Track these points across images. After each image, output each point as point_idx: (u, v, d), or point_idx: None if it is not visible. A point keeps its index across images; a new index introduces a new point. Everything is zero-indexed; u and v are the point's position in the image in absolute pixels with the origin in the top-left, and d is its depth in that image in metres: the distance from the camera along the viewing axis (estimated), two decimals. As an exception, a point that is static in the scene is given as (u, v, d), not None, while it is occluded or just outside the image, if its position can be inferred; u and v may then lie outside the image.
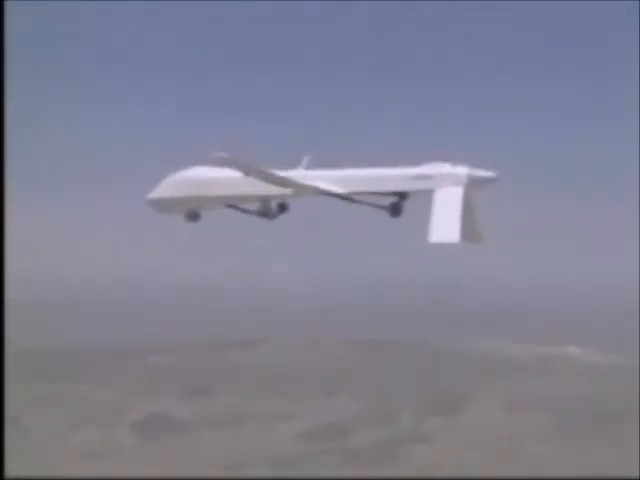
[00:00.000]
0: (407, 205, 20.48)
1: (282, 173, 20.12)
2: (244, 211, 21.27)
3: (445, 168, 19.52)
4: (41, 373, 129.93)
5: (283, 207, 21.10)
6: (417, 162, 20.15)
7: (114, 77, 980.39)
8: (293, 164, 20.68)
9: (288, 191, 20.48)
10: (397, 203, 20.28)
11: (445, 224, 18.28)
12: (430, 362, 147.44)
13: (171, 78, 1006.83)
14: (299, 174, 20.60)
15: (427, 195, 19.12)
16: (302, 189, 20.35)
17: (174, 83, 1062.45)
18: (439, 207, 18.71)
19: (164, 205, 21.55)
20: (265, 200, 20.74)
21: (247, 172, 19.81)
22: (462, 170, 19.40)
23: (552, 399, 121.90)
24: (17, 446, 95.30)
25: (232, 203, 21.28)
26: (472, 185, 19.22)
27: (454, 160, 19.88)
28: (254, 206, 20.93)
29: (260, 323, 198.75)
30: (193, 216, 21.60)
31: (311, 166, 20.98)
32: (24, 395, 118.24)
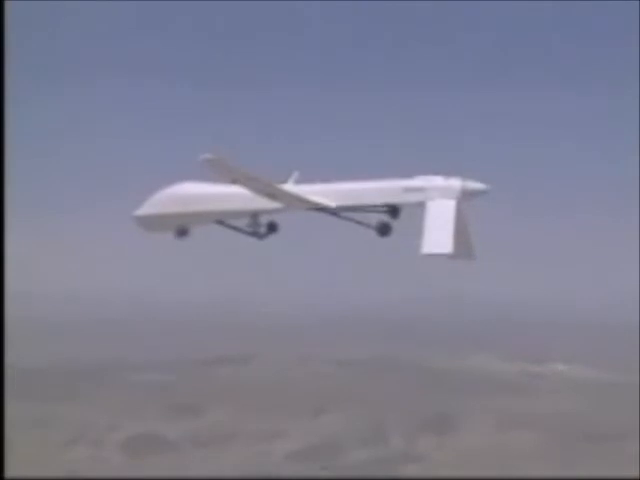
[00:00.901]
0: (400, 218, 20.25)
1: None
2: (233, 228, 20.96)
3: (438, 180, 19.39)
4: (25, 393, 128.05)
5: (272, 227, 20.82)
6: (409, 175, 19.95)
7: (100, 88, 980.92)
8: (282, 179, 20.43)
9: (278, 205, 20.13)
10: (386, 222, 20.01)
11: (438, 236, 18.03)
12: (419, 380, 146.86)
13: (157, 90, 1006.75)
14: (288, 189, 20.26)
15: (419, 208, 18.98)
16: (292, 200, 20.02)
17: (161, 94, 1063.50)
18: (432, 219, 18.47)
19: (152, 222, 21.23)
20: (254, 215, 20.44)
21: (234, 177, 19.24)
22: (455, 182, 19.24)
23: (544, 417, 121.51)
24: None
25: (221, 219, 21.00)
26: (465, 198, 19.09)
27: (445, 172, 19.72)
28: (243, 222, 20.69)
29: (247, 340, 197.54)
30: (182, 232, 21.26)
31: (300, 181, 20.76)
32: (8, 415, 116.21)
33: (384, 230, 20.13)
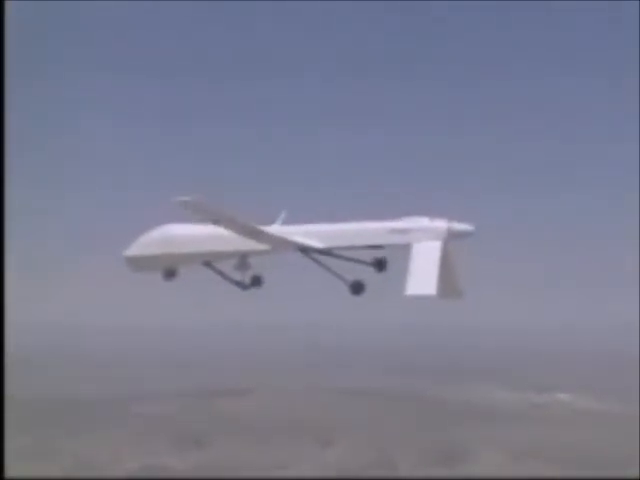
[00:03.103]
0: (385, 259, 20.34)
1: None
2: (219, 273, 20.86)
3: (424, 222, 19.37)
4: (24, 425, 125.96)
5: (257, 280, 20.79)
6: (394, 216, 19.97)
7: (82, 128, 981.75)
8: (270, 220, 20.51)
9: (266, 246, 19.99)
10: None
11: (422, 277, 17.96)
12: (423, 410, 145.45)
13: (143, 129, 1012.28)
14: (276, 229, 20.24)
15: (404, 250, 18.89)
16: (276, 242, 19.87)
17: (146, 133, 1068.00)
18: (417, 261, 18.38)
19: (140, 263, 21.09)
20: (243, 256, 20.25)
21: (215, 219, 19.00)
22: (441, 224, 19.21)
23: (553, 448, 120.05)
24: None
25: (209, 260, 20.84)
26: (451, 239, 19.05)
27: (430, 213, 19.73)
28: (232, 263, 20.60)
29: (246, 373, 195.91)
30: (170, 274, 21.19)
31: (288, 222, 20.78)
32: (8, 448, 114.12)
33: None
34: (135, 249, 21.10)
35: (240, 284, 20.71)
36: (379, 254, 20.17)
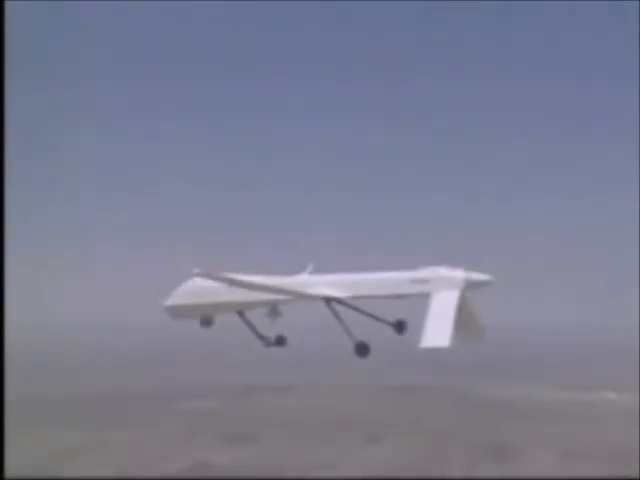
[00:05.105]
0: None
1: (287, 279, 21.15)
2: (249, 325, 22.37)
3: (442, 271, 20.07)
4: (74, 420, 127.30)
5: (281, 340, 22.41)
6: (409, 266, 20.86)
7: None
8: (299, 270, 21.93)
9: (293, 296, 21.20)
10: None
11: (437, 329, 18.73)
12: (467, 408, 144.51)
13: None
14: (303, 279, 21.50)
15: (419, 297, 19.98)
16: (296, 295, 21.04)
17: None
18: (434, 311, 19.16)
19: (178, 312, 22.49)
20: (273, 306, 21.79)
21: (230, 284, 20.47)
22: (459, 274, 19.87)
23: (601, 447, 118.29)
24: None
25: (242, 309, 22.17)
26: (468, 288, 19.88)
27: (446, 262, 20.40)
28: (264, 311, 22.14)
29: (287, 370, 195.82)
30: (206, 322, 22.53)
31: (315, 272, 22.14)
32: (57, 443, 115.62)
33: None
34: (173, 299, 22.48)
35: (265, 340, 22.29)
36: (400, 316, 21.50)
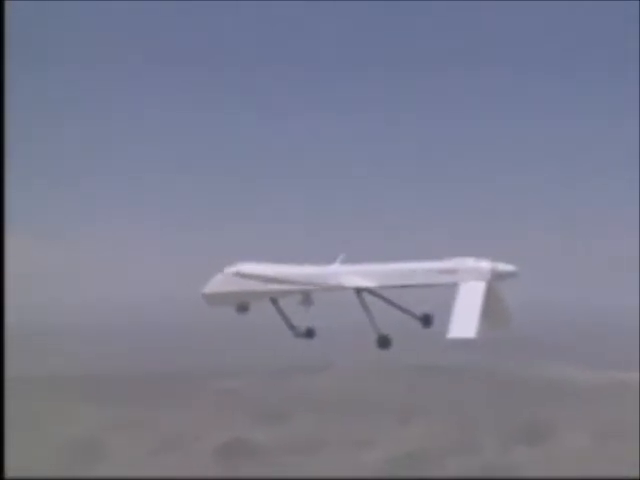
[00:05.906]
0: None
1: (320, 268, 21.63)
2: (280, 313, 22.11)
3: (469, 262, 19.87)
4: (119, 398, 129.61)
5: (310, 333, 22.05)
6: (435, 256, 20.68)
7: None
8: (330, 261, 21.87)
9: (325, 287, 21.55)
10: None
11: (464, 320, 18.54)
12: (500, 388, 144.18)
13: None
14: (333, 269, 21.75)
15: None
16: (329, 285, 21.48)
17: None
18: (460, 302, 18.97)
19: (216, 299, 22.78)
20: (306, 294, 21.58)
21: (264, 280, 21.49)
22: (485, 264, 19.64)
23: (634, 427, 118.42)
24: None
25: (277, 297, 22.21)
26: (494, 279, 19.50)
27: (472, 253, 20.23)
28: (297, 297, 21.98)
29: (319, 349, 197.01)
30: (242, 309, 22.76)
31: (345, 262, 21.92)
32: (106, 418, 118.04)
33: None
34: (211, 287, 22.75)
35: (294, 330, 22.07)
36: (426, 309, 21.14)
